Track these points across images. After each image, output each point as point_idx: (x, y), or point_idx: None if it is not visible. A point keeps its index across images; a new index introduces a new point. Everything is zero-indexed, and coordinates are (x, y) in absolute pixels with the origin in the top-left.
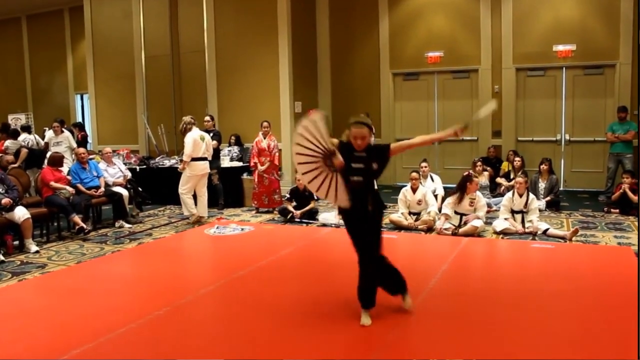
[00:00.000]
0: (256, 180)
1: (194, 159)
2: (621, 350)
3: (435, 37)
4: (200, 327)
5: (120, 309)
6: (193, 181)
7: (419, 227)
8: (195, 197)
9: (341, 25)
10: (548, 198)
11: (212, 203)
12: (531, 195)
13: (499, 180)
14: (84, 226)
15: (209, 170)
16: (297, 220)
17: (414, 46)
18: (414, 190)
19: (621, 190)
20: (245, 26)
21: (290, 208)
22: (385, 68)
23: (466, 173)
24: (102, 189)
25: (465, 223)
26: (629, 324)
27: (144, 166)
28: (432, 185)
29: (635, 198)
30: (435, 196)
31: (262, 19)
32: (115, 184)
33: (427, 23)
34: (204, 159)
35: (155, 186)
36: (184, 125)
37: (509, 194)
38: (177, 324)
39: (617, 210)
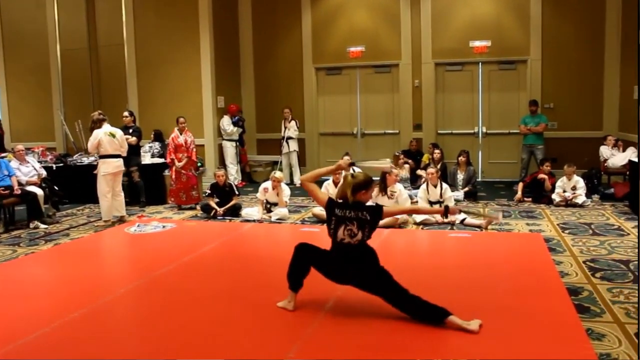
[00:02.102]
0: (174, 176)
1: (105, 157)
2: (536, 329)
3: (357, 32)
4: (118, 329)
5: (32, 314)
6: (107, 180)
7: None
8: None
9: (264, 20)
10: (466, 189)
11: (133, 201)
12: (445, 185)
13: (419, 172)
14: None
15: (123, 168)
16: (220, 216)
17: (336, 41)
18: (336, 184)
19: (539, 177)
20: (166, 20)
21: (213, 204)
22: (308, 63)
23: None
24: (17, 187)
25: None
26: (540, 303)
27: (61, 164)
28: None
29: (549, 186)
30: None
31: (184, 13)
32: (29, 183)
33: (349, 18)
34: (117, 156)
35: (74, 185)
36: (92, 122)
37: (424, 186)
38: (94, 326)
39: (530, 199)
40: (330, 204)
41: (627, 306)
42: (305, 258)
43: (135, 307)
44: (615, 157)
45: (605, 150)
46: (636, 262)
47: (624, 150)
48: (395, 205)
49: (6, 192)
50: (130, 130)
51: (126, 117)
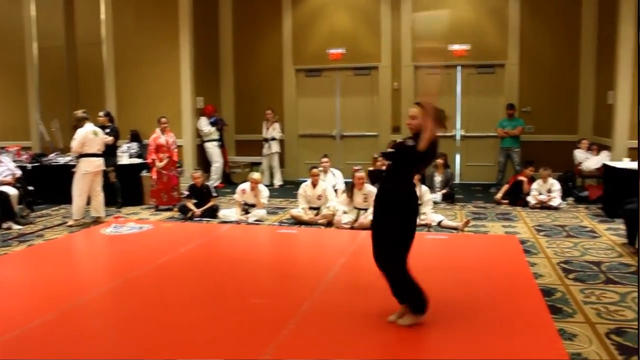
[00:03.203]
0: (155, 177)
1: (86, 155)
2: (509, 329)
3: (337, 34)
4: (92, 330)
5: (5, 316)
6: (87, 179)
7: (319, 221)
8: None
9: (244, 21)
10: (444, 191)
11: (110, 201)
12: (424, 188)
13: None
14: None
15: (104, 168)
16: (197, 218)
17: (316, 43)
18: (314, 185)
19: (518, 180)
20: (146, 19)
21: (191, 206)
22: (288, 64)
23: (353, 169)
24: None
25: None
26: (514, 304)
27: (37, 164)
28: (333, 180)
29: (528, 188)
30: (336, 191)
31: (163, 13)
32: (2, 183)
33: (330, 20)
34: (98, 155)
35: (49, 185)
36: (76, 120)
37: None
38: (68, 328)
39: (507, 201)
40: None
41: (599, 307)
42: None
43: (110, 308)
44: (590, 161)
45: (579, 154)
46: (608, 263)
47: (598, 154)
48: None
49: None
50: (107, 130)
51: (100, 117)
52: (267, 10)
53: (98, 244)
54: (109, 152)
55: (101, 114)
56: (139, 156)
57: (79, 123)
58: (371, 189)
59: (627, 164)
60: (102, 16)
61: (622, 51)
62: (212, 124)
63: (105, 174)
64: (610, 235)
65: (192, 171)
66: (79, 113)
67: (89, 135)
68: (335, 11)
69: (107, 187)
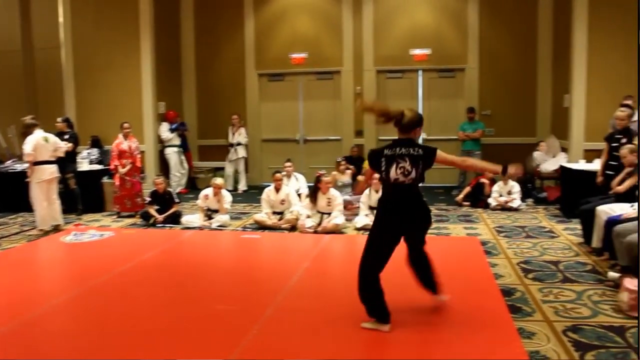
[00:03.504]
0: (117, 183)
1: (38, 163)
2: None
3: (300, 39)
4: (51, 339)
5: None
6: (42, 187)
7: (283, 226)
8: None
9: (206, 25)
10: None
11: (70, 209)
12: None
13: (360, 178)
14: None
15: (58, 174)
16: (159, 224)
17: (278, 47)
18: (277, 190)
19: (480, 182)
20: (106, 23)
21: (153, 212)
22: (251, 69)
23: (317, 174)
24: None
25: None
26: (476, 304)
27: None
28: (296, 185)
29: (489, 190)
30: (299, 195)
31: (124, 16)
32: None
33: (292, 25)
34: (51, 162)
35: (6, 192)
36: (25, 127)
37: (367, 191)
38: (26, 338)
39: (468, 203)
40: (373, 153)
41: (556, 305)
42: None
43: (71, 317)
44: (548, 163)
45: (538, 156)
46: (566, 263)
47: (555, 156)
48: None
49: None
50: (66, 137)
51: (59, 122)
52: (229, 14)
53: (58, 252)
54: (69, 159)
55: (59, 119)
56: (99, 162)
57: (27, 130)
58: (335, 193)
59: (583, 165)
60: (60, 19)
61: (577, 55)
62: (172, 130)
63: (65, 180)
64: (567, 235)
65: (154, 177)
66: (27, 119)
67: (39, 142)
68: (298, 16)
69: (67, 194)
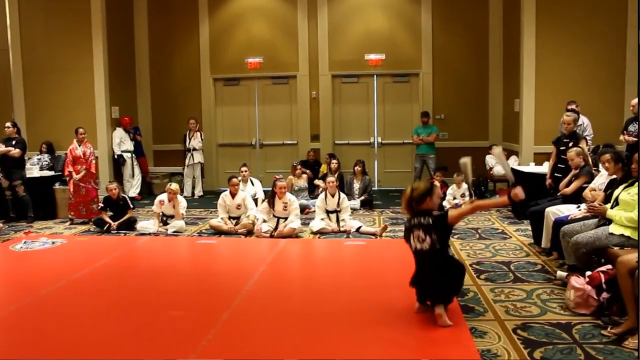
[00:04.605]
0: (72, 189)
1: None
2: (423, 330)
3: (255, 43)
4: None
5: None
6: None
7: (239, 231)
8: None
9: (160, 29)
10: (362, 197)
11: (20, 216)
12: (342, 195)
13: (317, 182)
14: None
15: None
16: (114, 231)
17: (234, 52)
18: (233, 195)
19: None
20: (56, 25)
21: (106, 219)
22: (206, 73)
23: (274, 178)
24: None
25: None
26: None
27: None
28: (253, 190)
29: (441, 194)
30: (255, 200)
31: (75, 18)
32: None
33: (247, 29)
34: None
35: None
36: None
37: (322, 195)
38: None
39: None
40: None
41: (507, 304)
42: None
43: (22, 326)
44: (500, 166)
45: (490, 159)
46: (517, 263)
47: (507, 159)
48: (457, 209)
49: None
50: (14, 142)
51: (8, 127)
52: (184, 18)
53: (7, 260)
54: (17, 165)
55: (8, 124)
56: (50, 168)
57: None
58: (291, 198)
59: (533, 168)
60: (8, 21)
61: (526, 61)
62: (131, 137)
63: (12, 187)
64: (518, 235)
65: (107, 183)
66: None
67: None
68: (253, 20)
69: (16, 202)
